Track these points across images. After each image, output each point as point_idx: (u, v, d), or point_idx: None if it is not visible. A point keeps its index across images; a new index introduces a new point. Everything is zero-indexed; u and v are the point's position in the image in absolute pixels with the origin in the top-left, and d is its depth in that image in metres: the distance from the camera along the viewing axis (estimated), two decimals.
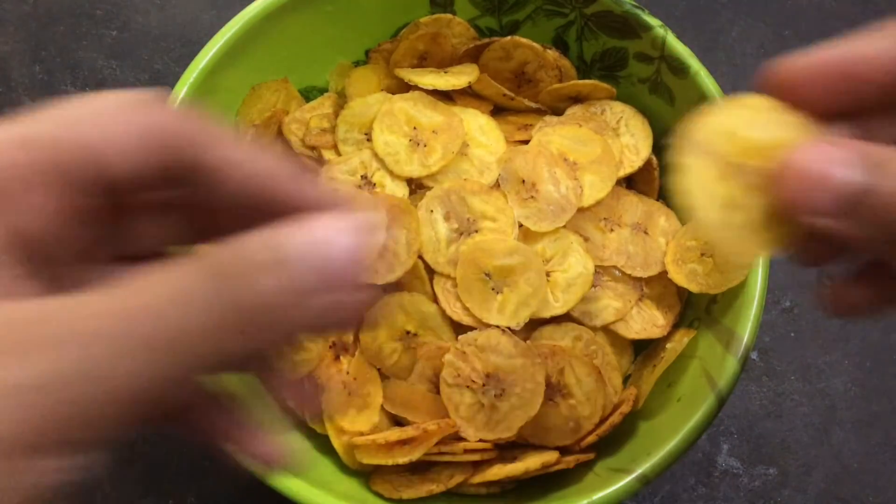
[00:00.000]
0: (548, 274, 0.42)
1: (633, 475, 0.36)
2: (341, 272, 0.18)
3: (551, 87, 0.46)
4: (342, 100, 0.47)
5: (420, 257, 0.41)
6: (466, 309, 0.41)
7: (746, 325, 0.39)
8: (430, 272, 0.42)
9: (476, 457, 0.39)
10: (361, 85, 0.47)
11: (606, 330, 0.43)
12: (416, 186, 0.44)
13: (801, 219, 0.20)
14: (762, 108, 0.22)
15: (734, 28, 0.59)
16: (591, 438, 0.40)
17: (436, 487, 0.39)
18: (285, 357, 0.24)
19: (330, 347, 0.42)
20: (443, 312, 0.41)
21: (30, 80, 0.55)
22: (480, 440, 0.39)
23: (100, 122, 0.19)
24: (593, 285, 0.43)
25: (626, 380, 0.44)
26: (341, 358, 0.42)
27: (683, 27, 0.52)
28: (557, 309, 0.42)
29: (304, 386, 0.24)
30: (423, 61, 0.47)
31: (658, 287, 0.44)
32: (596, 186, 0.44)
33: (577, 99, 0.47)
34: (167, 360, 0.16)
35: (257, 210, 0.20)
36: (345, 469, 0.41)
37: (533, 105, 0.47)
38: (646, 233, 0.44)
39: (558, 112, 0.47)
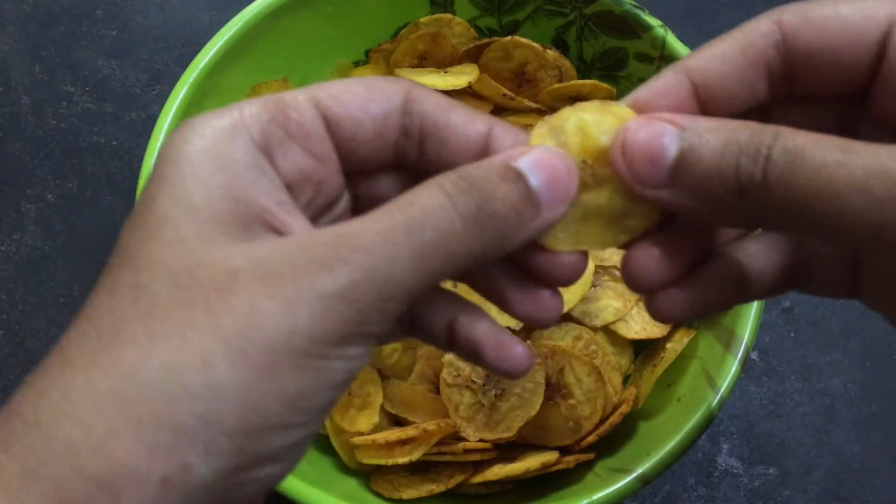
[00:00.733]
0: None
1: (633, 475, 0.36)
2: (561, 190, 0.22)
3: (551, 88, 0.46)
4: None
5: None
6: None
7: (746, 325, 0.39)
8: None
9: (476, 457, 0.39)
10: None
11: (606, 330, 0.43)
12: None
13: (641, 193, 0.22)
14: (624, 117, 0.23)
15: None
16: (591, 438, 0.40)
17: (436, 487, 0.39)
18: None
19: None
20: None
21: (30, 80, 0.55)
22: (480, 440, 0.39)
23: (357, 91, 0.23)
24: (593, 285, 0.43)
25: (626, 380, 0.44)
26: None
27: (683, 27, 0.52)
28: None
29: (540, 290, 0.24)
30: (423, 61, 0.47)
31: None
32: None
33: (578, 99, 0.47)
34: (430, 262, 0.20)
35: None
36: (345, 469, 0.41)
37: (533, 105, 0.47)
38: None
39: None
